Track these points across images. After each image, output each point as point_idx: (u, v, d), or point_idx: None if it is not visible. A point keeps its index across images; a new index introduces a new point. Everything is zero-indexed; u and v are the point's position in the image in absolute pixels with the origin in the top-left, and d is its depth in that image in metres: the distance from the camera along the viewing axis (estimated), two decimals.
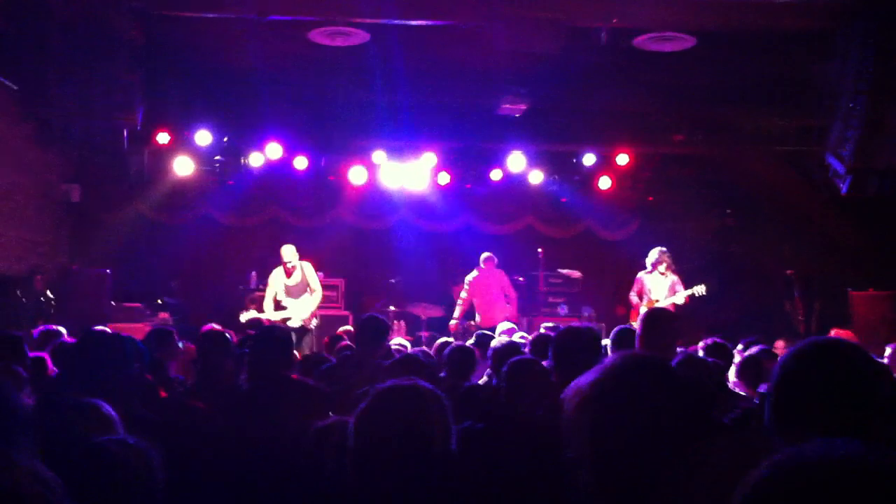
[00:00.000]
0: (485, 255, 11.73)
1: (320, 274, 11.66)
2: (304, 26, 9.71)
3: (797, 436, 1.78)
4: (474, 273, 11.64)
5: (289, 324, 10.47)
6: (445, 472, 2.39)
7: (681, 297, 10.54)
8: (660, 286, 10.68)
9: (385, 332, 5.61)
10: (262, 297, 11.06)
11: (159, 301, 12.20)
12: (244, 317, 10.61)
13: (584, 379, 1.83)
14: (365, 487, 2.31)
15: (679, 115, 12.37)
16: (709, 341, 5.78)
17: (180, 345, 6.81)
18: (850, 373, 1.87)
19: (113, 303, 11.18)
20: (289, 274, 10.68)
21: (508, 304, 11.59)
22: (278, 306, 10.63)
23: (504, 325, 8.76)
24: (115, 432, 2.98)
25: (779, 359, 1.97)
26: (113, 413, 3.03)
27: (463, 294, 11.64)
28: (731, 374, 5.75)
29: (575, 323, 5.28)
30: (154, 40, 9.87)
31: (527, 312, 12.47)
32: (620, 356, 1.86)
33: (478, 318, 11.54)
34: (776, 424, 1.88)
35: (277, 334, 4.04)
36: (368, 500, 2.34)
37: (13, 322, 9.04)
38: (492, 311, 11.37)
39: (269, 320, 10.35)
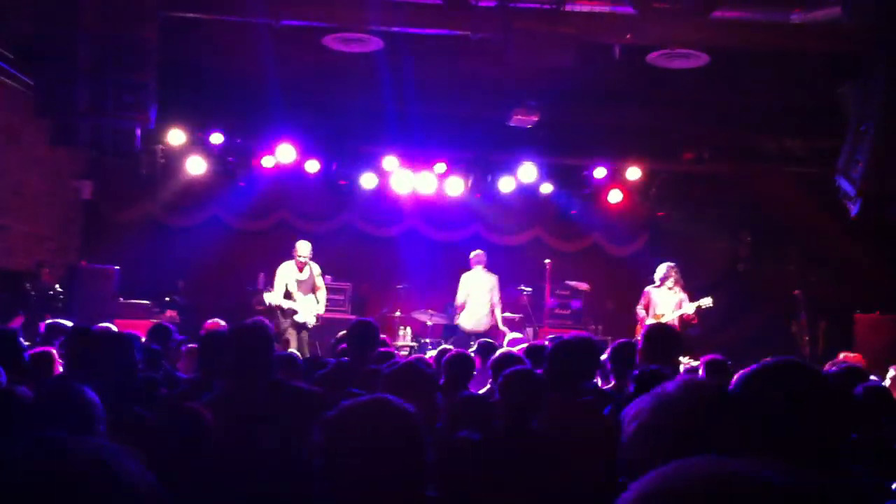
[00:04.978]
0: (474, 253, 11.79)
1: (328, 277, 11.78)
2: (318, 32, 9.77)
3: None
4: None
5: (296, 318, 10.86)
6: (419, 485, 2.34)
7: (689, 308, 10.54)
8: (667, 301, 10.68)
9: (375, 337, 5.62)
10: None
11: (167, 299, 12.26)
12: (268, 297, 10.83)
13: (641, 406, 1.77)
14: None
15: (691, 132, 12.37)
16: (708, 359, 5.77)
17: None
18: (802, 395, 1.87)
19: (121, 299, 11.24)
20: (300, 269, 10.96)
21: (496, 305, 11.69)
22: (288, 297, 10.83)
23: (511, 336, 8.77)
24: (95, 416, 3.00)
25: (735, 377, 1.98)
26: (95, 398, 3.04)
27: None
28: None
29: (570, 334, 5.27)
30: (169, 42, 9.94)
31: (532, 323, 12.48)
32: (681, 384, 1.81)
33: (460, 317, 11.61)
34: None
35: (256, 330, 4.03)
36: None
37: (22, 315, 9.10)
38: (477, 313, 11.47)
39: (280, 307, 10.73)
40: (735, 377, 1.98)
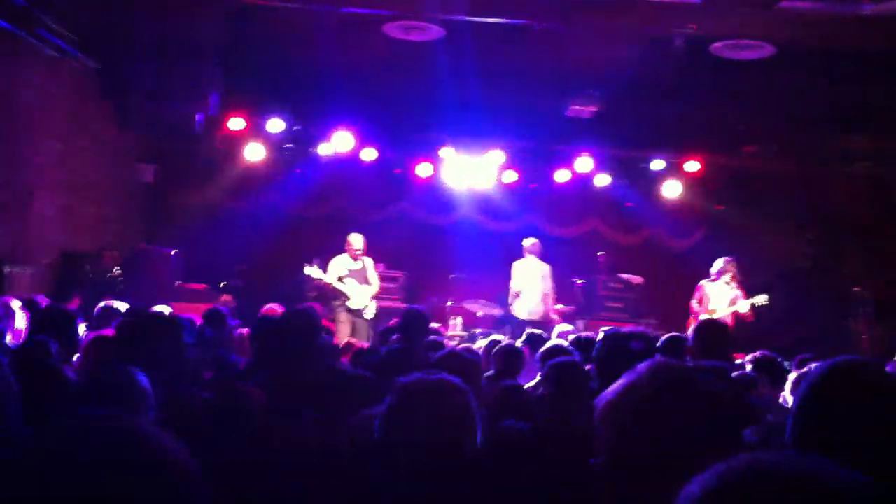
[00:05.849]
0: (527, 241, 11.71)
1: (381, 266, 11.86)
2: (379, 20, 9.79)
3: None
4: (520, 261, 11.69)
5: (349, 304, 11.01)
6: (471, 468, 2.40)
7: (744, 305, 10.37)
8: (722, 296, 10.52)
9: (425, 324, 5.64)
10: (325, 285, 11.33)
11: (224, 284, 12.42)
12: (309, 270, 11.00)
13: (612, 388, 1.83)
14: (391, 482, 2.34)
15: (752, 126, 12.15)
16: (757, 354, 5.67)
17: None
18: (875, 397, 1.83)
19: (179, 283, 11.40)
20: (354, 259, 11.08)
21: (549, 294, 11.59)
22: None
23: (561, 328, 8.71)
24: (147, 404, 3.07)
25: (807, 377, 1.94)
26: (145, 382, 3.10)
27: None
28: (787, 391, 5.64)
29: (628, 328, 5.21)
30: (232, 29, 10.06)
31: (584, 315, 12.39)
32: (649, 366, 1.86)
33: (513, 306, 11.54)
34: (796, 443, 1.85)
35: (305, 315, 4.08)
36: (395, 494, 2.36)
37: (78, 297, 9.28)
38: (530, 302, 11.41)
39: (329, 284, 10.93)
40: (809, 374, 1.95)
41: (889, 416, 1.80)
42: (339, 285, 10.96)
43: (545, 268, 11.64)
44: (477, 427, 2.35)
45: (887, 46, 9.27)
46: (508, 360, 5.41)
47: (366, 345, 8.14)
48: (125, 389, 2.98)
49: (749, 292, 10.55)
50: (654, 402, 1.73)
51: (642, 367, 1.84)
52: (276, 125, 12.50)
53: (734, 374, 5.14)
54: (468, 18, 9.54)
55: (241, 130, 12.47)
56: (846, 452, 1.74)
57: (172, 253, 11.39)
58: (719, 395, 1.85)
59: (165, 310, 6.63)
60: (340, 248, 11.33)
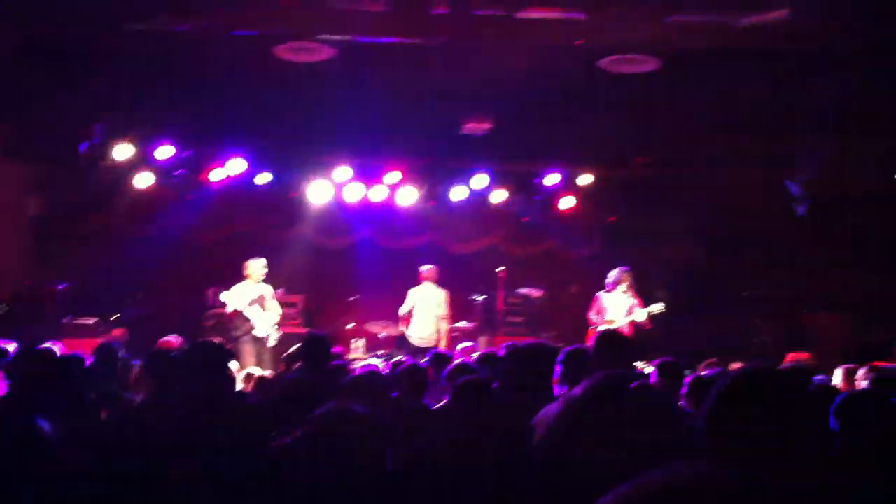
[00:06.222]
0: (424, 267, 11.76)
1: (280, 290, 11.69)
2: (269, 42, 9.67)
3: (726, 458, 1.77)
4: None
5: (254, 333, 10.77)
6: (385, 493, 2.36)
7: (641, 314, 10.59)
8: (619, 306, 10.72)
9: (327, 349, 5.55)
10: (222, 314, 11.08)
11: (116, 316, 12.04)
12: (225, 296, 10.78)
13: (553, 407, 1.81)
14: None
15: (642, 137, 12.44)
16: (659, 361, 5.78)
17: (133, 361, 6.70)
18: (777, 400, 1.87)
19: (69, 318, 11.01)
20: (256, 286, 10.90)
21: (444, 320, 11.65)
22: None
23: (463, 345, 8.73)
24: (51, 450, 2.93)
25: (716, 384, 1.98)
26: (50, 431, 2.97)
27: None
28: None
29: (528, 341, 5.23)
30: (119, 54, 9.78)
31: (486, 332, 12.46)
32: (590, 382, 1.84)
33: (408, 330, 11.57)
34: (709, 446, 1.88)
35: (213, 349, 3.97)
36: None
37: None
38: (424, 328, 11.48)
39: (236, 311, 10.67)
40: (717, 383, 2.00)
41: (792, 418, 1.84)
42: (247, 313, 10.72)
43: (441, 294, 11.66)
44: (386, 453, 2.31)
45: (765, 53, 9.64)
46: (413, 380, 5.37)
47: (268, 374, 7.97)
48: (25, 439, 2.83)
49: (646, 300, 10.78)
50: (596, 415, 1.72)
51: (583, 385, 1.82)
52: (164, 151, 12.17)
53: (636, 381, 5.21)
54: (360, 39, 9.52)
55: (128, 159, 12.09)
56: (755, 454, 1.77)
57: (61, 287, 10.99)
58: (659, 406, 1.86)
59: (55, 347, 6.37)
60: (237, 274, 11.09)
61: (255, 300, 10.82)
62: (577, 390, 1.79)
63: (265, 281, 11.07)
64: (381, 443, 2.31)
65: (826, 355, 9.88)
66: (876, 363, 6.00)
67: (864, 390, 4.97)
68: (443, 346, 11.12)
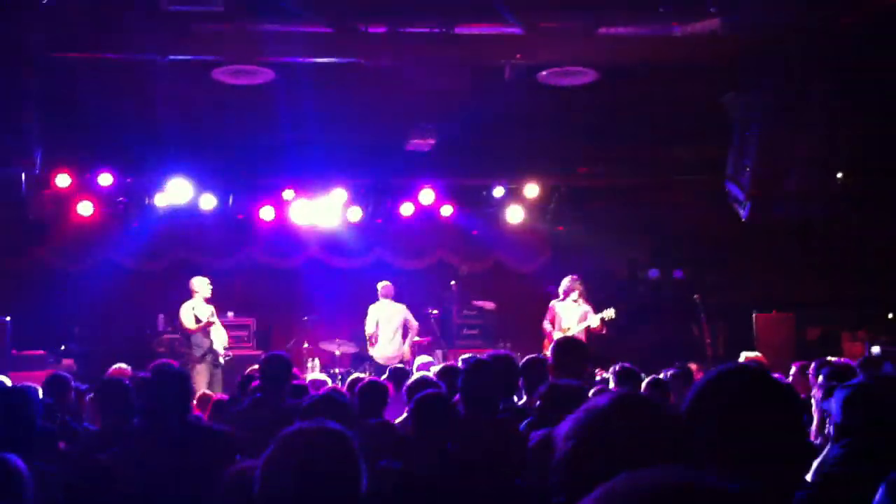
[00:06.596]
0: (381, 284, 11.80)
1: (230, 314, 11.59)
2: (207, 65, 9.61)
3: (707, 460, 1.80)
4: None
5: (215, 349, 10.78)
6: None
7: (594, 320, 10.69)
8: (572, 314, 10.81)
9: (288, 370, 5.52)
10: (172, 340, 10.96)
11: (63, 348, 11.82)
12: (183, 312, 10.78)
13: (577, 421, 1.74)
14: None
15: (585, 146, 12.60)
16: (618, 367, 5.85)
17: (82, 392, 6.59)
18: (760, 397, 1.91)
19: (14, 351, 10.79)
20: (207, 303, 10.92)
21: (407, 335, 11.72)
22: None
23: (421, 360, 8.73)
24: (23, 488, 2.88)
25: (693, 386, 1.99)
26: (22, 467, 2.92)
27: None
28: None
29: (488, 353, 5.26)
30: (53, 82, 9.64)
31: (442, 346, 12.48)
32: (610, 398, 1.78)
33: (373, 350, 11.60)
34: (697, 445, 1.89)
35: (174, 373, 3.93)
36: None
37: None
38: (387, 345, 11.54)
39: (193, 330, 10.67)
40: (695, 384, 2.00)
41: (776, 415, 1.88)
42: (212, 329, 10.68)
43: (401, 309, 11.70)
44: (362, 471, 2.30)
45: (698, 62, 9.84)
46: (373, 396, 5.36)
47: (224, 396, 7.89)
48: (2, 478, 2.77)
49: (597, 307, 10.91)
50: (632, 440, 1.66)
51: (606, 399, 1.76)
52: (106, 179, 12.01)
53: (596, 387, 5.27)
54: (297, 60, 9.51)
55: (68, 187, 11.90)
56: (736, 456, 1.81)
57: (3, 320, 10.76)
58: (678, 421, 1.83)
59: (5, 380, 6.24)
60: (185, 299, 10.98)
61: (209, 318, 10.75)
62: (602, 400, 1.73)
63: (207, 301, 10.99)
64: (358, 461, 2.29)
65: (773, 355, 10.08)
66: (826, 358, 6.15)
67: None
68: (406, 357, 11.23)
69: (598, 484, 1.06)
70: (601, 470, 1.51)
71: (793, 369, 7.10)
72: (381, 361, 11.35)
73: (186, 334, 10.84)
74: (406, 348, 11.64)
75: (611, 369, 5.99)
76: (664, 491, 1.01)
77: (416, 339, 12.06)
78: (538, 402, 4.38)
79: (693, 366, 8.93)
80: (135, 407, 4.62)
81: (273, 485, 2.21)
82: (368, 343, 11.65)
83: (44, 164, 10.29)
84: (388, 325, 11.61)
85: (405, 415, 5.73)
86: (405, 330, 11.72)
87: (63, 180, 11.75)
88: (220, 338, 10.88)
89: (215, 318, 10.93)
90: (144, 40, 9.02)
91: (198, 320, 10.68)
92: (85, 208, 12.23)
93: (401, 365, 7.67)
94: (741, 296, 12.96)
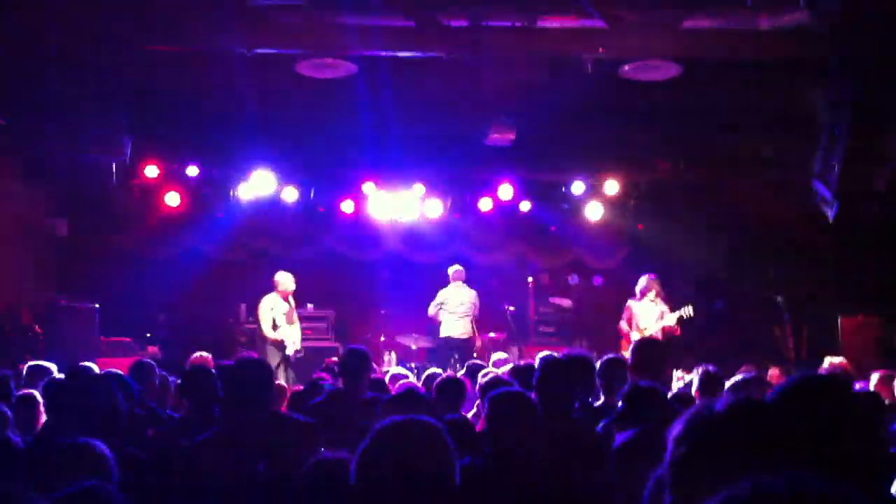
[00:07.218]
0: (452, 268, 11.91)
1: (310, 305, 11.76)
2: (292, 59, 9.75)
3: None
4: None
5: (286, 351, 10.95)
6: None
7: (670, 319, 10.55)
8: (649, 314, 10.69)
9: (368, 363, 5.57)
10: (252, 330, 11.17)
11: (148, 335, 12.13)
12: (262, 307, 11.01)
13: (691, 423, 1.71)
14: None
15: (666, 142, 12.42)
16: (703, 373, 5.66)
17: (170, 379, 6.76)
18: (836, 409, 1.87)
19: (102, 337, 11.10)
20: (284, 299, 11.08)
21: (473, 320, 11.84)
22: (275, 329, 10.94)
23: (497, 356, 8.73)
24: (108, 472, 2.97)
25: (769, 393, 1.97)
26: (107, 452, 3.02)
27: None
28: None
29: (564, 351, 5.23)
30: (144, 74, 9.90)
31: (518, 342, 12.45)
32: (726, 403, 1.74)
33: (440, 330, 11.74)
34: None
35: (258, 363, 4.00)
36: None
37: (1, 357, 8.94)
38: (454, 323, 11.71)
39: (275, 340, 10.86)
40: (772, 391, 1.97)
41: (852, 428, 1.84)
42: (281, 336, 10.88)
43: (471, 293, 11.75)
44: (456, 465, 2.32)
45: (785, 56, 9.60)
46: (451, 392, 5.38)
47: (299, 387, 8.01)
48: (86, 460, 2.87)
49: (674, 306, 10.75)
50: (750, 444, 1.63)
51: (722, 405, 1.73)
52: (192, 170, 12.31)
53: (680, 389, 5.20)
54: (380, 53, 9.58)
55: (156, 177, 12.24)
56: (808, 464, 1.77)
57: (92, 307, 11.07)
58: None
59: (92, 366, 6.44)
60: (266, 290, 11.18)
61: (286, 313, 10.94)
62: (718, 405, 1.70)
63: (293, 293, 11.17)
64: (453, 455, 2.32)
65: (857, 359, 9.79)
66: None
67: None
68: (477, 344, 11.27)
69: (712, 488, 1.07)
70: (716, 474, 1.49)
71: (874, 377, 6.89)
72: (445, 336, 11.61)
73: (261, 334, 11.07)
74: (473, 329, 11.72)
75: (694, 372, 5.88)
76: (793, 498, 1.01)
77: (492, 334, 12.07)
78: (620, 404, 4.35)
79: (775, 369, 8.73)
80: (218, 395, 4.73)
81: (372, 476, 2.24)
82: (432, 312, 11.88)
83: (133, 154, 10.60)
84: (458, 307, 11.71)
85: (474, 410, 5.74)
86: (473, 315, 11.76)
87: (151, 171, 12.10)
88: (292, 337, 10.99)
89: (294, 318, 11.09)
90: (232, 34, 9.20)
91: (275, 325, 10.86)
92: (172, 199, 12.54)
93: (477, 361, 7.67)
94: (825, 298, 12.60)
